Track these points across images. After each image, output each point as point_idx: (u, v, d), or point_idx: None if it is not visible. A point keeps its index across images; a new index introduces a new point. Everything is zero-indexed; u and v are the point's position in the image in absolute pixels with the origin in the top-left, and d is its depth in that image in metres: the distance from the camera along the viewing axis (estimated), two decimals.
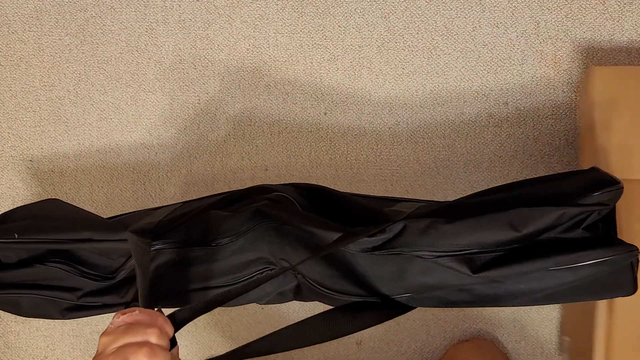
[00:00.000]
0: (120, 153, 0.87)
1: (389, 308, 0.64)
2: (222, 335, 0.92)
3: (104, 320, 0.92)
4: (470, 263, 0.57)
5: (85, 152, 0.87)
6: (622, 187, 0.56)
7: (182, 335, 0.92)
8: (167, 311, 0.94)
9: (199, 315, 0.57)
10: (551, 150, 0.83)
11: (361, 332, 0.90)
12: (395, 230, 0.59)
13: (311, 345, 0.61)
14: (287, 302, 0.73)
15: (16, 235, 0.73)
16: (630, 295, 0.58)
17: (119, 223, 0.74)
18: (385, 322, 0.90)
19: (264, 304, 0.74)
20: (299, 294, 0.71)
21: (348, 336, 0.90)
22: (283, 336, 0.59)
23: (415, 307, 0.64)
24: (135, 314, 0.48)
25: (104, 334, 0.47)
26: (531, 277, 0.57)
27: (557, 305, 0.84)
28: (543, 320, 0.84)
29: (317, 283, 0.66)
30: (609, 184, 0.56)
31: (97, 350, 0.47)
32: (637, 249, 0.55)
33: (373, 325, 0.64)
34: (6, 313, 0.93)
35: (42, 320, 0.92)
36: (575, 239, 0.56)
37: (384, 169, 0.86)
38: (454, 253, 0.58)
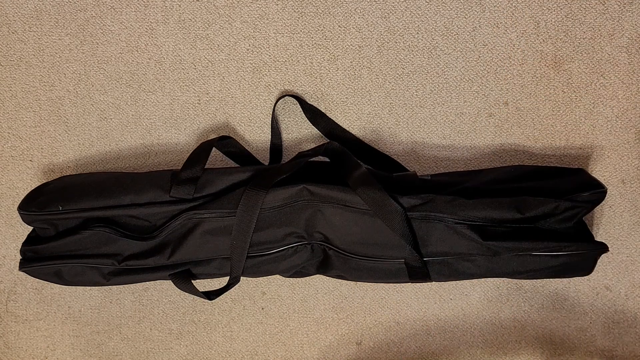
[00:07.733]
0: (120, 153, 0.87)
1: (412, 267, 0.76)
2: (223, 335, 0.92)
3: (105, 320, 0.92)
4: (482, 232, 0.72)
5: (85, 152, 0.88)
6: (606, 191, 0.72)
7: (181, 336, 0.92)
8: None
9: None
10: (551, 150, 0.83)
11: (361, 332, 0.90)
12: (426, 198, 0.73)
13: None
14: (311, 276, 0.81)
15: (60, 208, 0.74)
16: (587, 275, 0.77)
17: (154, 181, 0.77)
18: (385, 322, 0.90)
19: (289, 276, 0.81)
20: (324, 267, 0.78)
21: (348, 336, 0.90)
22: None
23: (430, 279, 0.77)
24: None
25: None
26: (523, 258, 0.74)
27: None
28: None
29: (347, 251, 0.75)
30: (596, 187, 0.72)
31: None
32: (607, 248, 0.73)
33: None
34: (7, 312, 0.93)
35: (42, 320, 0.92)
36: (564, 231, 0.73)
37: None
38: (470, 222, 0.73)
